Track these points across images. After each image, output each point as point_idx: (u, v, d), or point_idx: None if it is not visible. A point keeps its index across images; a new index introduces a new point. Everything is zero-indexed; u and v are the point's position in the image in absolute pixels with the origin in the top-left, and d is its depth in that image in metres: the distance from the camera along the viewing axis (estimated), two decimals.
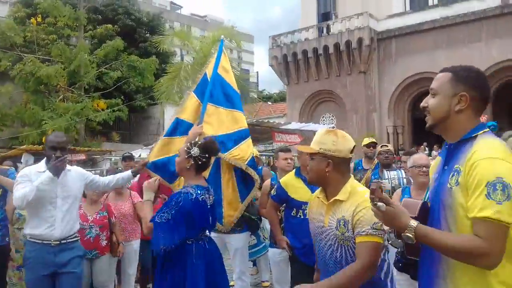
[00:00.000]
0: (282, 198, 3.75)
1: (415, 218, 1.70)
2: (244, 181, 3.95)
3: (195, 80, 15.78)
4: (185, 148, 2.99)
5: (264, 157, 14.03)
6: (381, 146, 5.68)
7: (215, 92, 4.00)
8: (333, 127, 20.67)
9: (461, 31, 21.28)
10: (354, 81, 24.30)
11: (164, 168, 3.76)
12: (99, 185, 3.86)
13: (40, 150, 15.65)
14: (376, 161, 5.80)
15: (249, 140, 4.02)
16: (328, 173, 2.25)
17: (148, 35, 26.02)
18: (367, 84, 24.07)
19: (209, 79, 4.11)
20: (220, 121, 3.91)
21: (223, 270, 3.13)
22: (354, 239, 2.15)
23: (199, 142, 3.01)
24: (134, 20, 25.77)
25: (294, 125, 14.14)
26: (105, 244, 4.37)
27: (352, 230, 2.15)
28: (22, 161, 13.31)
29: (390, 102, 23.53)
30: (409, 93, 23.45)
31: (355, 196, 2.23)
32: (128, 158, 6.42)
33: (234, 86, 4.20)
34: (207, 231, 3.09)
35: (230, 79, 4.20)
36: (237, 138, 3.93)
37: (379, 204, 1.69)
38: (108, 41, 19.53)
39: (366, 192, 2.28)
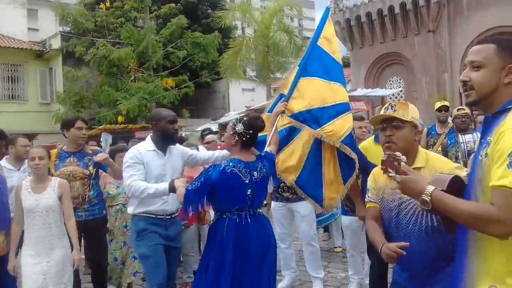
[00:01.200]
0: (362, 164, 3.60)
1: (444, 192, 1.69)
2: (347, 160, 3.59)
3: (259, 52, 15.84)
4: (231, 124, 3.10)
5: None
6: (457, 110, 5.47)
7: (311, 64, 3.71)
8: (401, 91, 20.04)
9: None
10: (423, 41, 23.15)
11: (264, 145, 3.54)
12: (198, 160, 3.92)
13: (117, 128, 16.67)
14: (450, 124, 5.65)
15: (347, 115, 3.63)
16: (414, 140, 2.32)
17: (210, 10, 26.31)
18: (437, 43, 22.84)
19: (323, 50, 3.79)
20: (315, 94, 3.61)
21: (266, 247, 3.10)
22: None
23: (244, 119, 3.08)
24: None
25: (360, 92, 13.95)
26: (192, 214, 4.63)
27: None
28: (101, 140, 14.28)
29: (463, 61, 22.19)
30: None
31: (432, 161, 2.28)
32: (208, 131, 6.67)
33: (336, 56, 3.83)
34: (247, 207, 3.03)
35: (332, 49, 3.80)
36: (333, 112, 3.57)
37: (392, 174, 1.74)
38: (172, 19, 20.04)
39: (440, 156, 2.38)
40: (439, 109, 5.92)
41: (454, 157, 5.19)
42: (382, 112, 2.40)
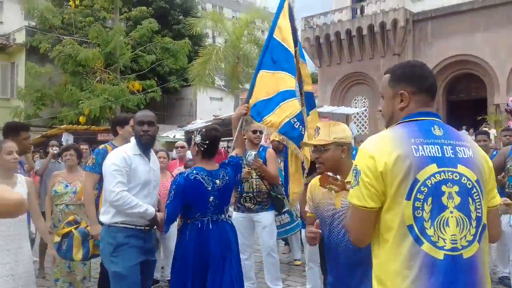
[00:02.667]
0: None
1: None
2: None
3: (229, 62, 15.83)
4: (192, 136, 3.41)
5: None
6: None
7: (266, 58, 3.73)
8: (365, 110, 20.58)
9: (500, 13, 20.53)
10: (388, 63, 23.84)
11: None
12: None
13: (79, 129, 16.26)
14: None
15: (289, 102, 3.54)
16: (342, 159, 2.47)
17: (181, 17, 26.24)
18: None
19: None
20: (260, 87, 3.65)
21: (226, 255, 3.21)
22: None
23: (202, 130, 3.33)
24: (167, 2, 26.03)
25: (326, 108, 14.19)
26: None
27: None
28: (63, 140, 13.87)
29: None
30: (444, 77, 22.93)
31: None
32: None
33: (287, 43, 3.73)
34: (209, 212, 3.19)
35: (283, 36, 3.75)
36: (274, 103, 3.57)
37: (330, 187, 2.20)
38: (143, 22, 19.85)
39: None
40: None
41: None
42: (313, 135, 2.60)
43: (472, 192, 1.65)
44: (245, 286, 4.94)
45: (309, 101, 3.87)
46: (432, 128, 1.71)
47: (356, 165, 1.70)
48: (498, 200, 1.81)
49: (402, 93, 1.77)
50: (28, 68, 18.47)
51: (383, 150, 1.65)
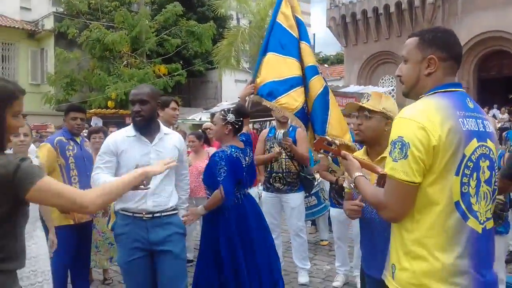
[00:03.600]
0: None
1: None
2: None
3: (254, 43, 15.80)
4: (220, 116, 3.41)
5: None
6: None
7: (272, 41, 3.89)
8: (393, 89, 20.20)
9: None
10: None
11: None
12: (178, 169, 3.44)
13: (107, 113, 16.58)
14: None
15: (300, 89, 3.77)
16: (385, 132, 2.36)
17: None
18: None
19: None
20: (270, 69, 3.78)
21: (261, 225, 3.58)
22: None
23: (232, 108, 3.42)
24: None
25: (353, 88, 13.97)
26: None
27: None
28: (92, 124, 14.17)
29: None
30: (475, 53, 22.22)
31: None
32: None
33: (293, 31, 3.93)
34: (243, 188, 3.50)
35: (290, 24, 3.94)
36: (287, 86, 3.73)
37: (321, 155, 2.19)
38: (167, 6, 19.88)
39: None
40: None
41: None
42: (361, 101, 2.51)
43: (495, 166, 1.69)
44: None
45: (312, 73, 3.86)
46: (467, 101, 1.70)
47: (402, 136, 1.59)
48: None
49: (431, 58, 1.72)
50: (57, 53, 18.82)
51: (434, 121, 1.57)
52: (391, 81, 24.88)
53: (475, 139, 1.62)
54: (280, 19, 3.92)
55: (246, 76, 25.96)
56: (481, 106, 1.94)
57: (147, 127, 3.03)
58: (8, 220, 1.57)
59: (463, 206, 1.59)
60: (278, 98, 3.69)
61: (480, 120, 1.69)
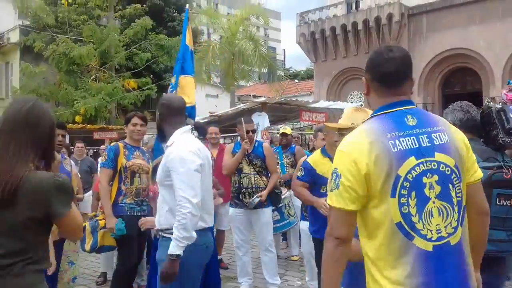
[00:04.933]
0: (310, 176, 3.70)
1: None
2: None
3: (225, 59, 15.80)
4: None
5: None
6: None
7: (185, 64, 4.18)
8: (361, 105, 20.59)
9: (495, 5, 20.53)
10: None
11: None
12: None
13: (75, 128, 16.20)
14: None
15: None
16: None
17: (176, 14, 26.12)
18: None
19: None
20: (191, 90, 4.07)
21: None
22: None
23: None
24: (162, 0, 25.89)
25: (322, 104, 14.15)
26: None
27: None
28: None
29: (420, 79, 23.04)
30: (440, 70, 22.93)
31: None
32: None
33: (191, 46, 4.35)
34: None
35: (189, 41, 4.30)
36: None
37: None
38: (137, 20, 19.76)
39: None
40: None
41: None
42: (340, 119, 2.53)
43: (452, 177, 1.65)
44: (243, 281, 4.97)
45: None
46: (406, 119, 1.69)
47: (336, 168, 1.67)
48: (479, 174, 1.79)
49: (363, 80, 1.82)
50: (22, 68, 18.39)
51: (362, 150, 1.62)
52: (360, 97, 25.34)
53: (412, 157, 1.61)
54: (188, 42, 4.23)
55: (217, 91, 26.01)
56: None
57: (160, 135, 2.91)
58: (41, 224, 1.75)
59: (405, 227, 1.59)
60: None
61: (425, 135, 1.66)
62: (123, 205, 4.01)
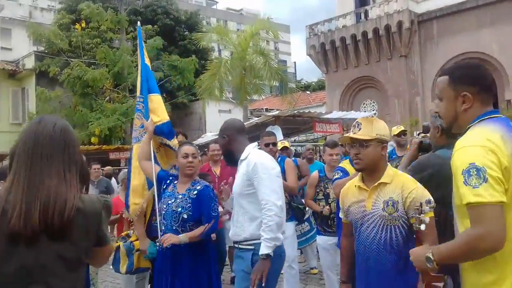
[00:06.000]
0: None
1: None
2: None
3: (236, 74, 15.82)
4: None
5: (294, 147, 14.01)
6: (418, 134, 5.74)
7: (150, 82, 4.11)
8: (374, 114, 20.48)
9: (505, 8, 20.35)
10: (395, 65, 23.81)
11: None
12: None
13: (91, 150, 16.41)
14: (409, 147, 5.83)
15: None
16: (382, 156, 2.43)
17: (186, 33, 26.47)
18: (409, 68, 23.53)
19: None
20: (162, 109, 4.00)
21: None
22: (403, 219, 2.31)
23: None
24: (172, 19, 26.29)
25: (336, 114, 14.12)
26: None
27: (404, 210, 2.30)
28: None
29: (433, 85, 22.87)
30: None
31: (399, 177, 2.40)
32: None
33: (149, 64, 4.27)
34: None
35: (149, 62, 4.28)
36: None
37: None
38: (148, 40, 20.06)
39: (406, 174, 2.52)
40: (398, 134, 6.17)
41: None
42: (351, 130, 2.52)
43: None
44: None
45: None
46: (510, 123, 1.73)
47: (473, 162, 1.55)
48: None
49: (465, 95, 1.76)
50: (38, 93, 18.76)
51: (498, 143, 1.59)
52: (373, 106, 25.24)
53: None
54: (147, 61, 4.16)
55: (230, 106, 26.11)
56: None
57: (229, 159, 3.22)
58: (87, 254, 1.58)
59: None
60: (174, 138, 3.95)
61: None
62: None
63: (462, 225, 1.70)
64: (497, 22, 20.45)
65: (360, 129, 2.44)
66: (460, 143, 1.67)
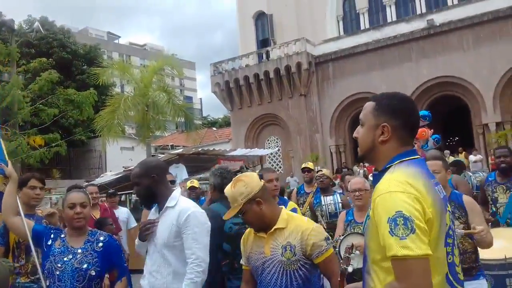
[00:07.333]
0: None
1: None
2: None
3: (138, 110, 15.36)
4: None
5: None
6: (317, 171, 5.93)
7: None
8: (278, 149, 21.00)
9: (392, 52, 22.46)
10: (296, 103, 24.90)
11: None
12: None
13: None
14: (316, 185, 5.96)
15: None
16: (261, 210, 2.38)
17: (85, 67, 25.48)
18: (308, 106, 24.74)
19: None
20: None
21: None
22: (302, 261, 2.34)
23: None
24: (70, 53, 25.21)
25: (240, 151, 14.25)
26: None
27: (303, 254, 2.33)
28: None
29: (331, 122, 24.27)
30: (347, 113, 24.32)
31: (293, 221, 2.43)
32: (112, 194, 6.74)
33: None
34: None
35: None
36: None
37: None
38: (42, 74, 18.87)
39: (300, 216, 2.66)
40: (302, 170, 6.31)
41: (320, 216, 5.38)
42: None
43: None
44: None
45: None
46: (427, 167, 1.67)
47: (400, 211, 1.42)
48: None
49: (385, 126, 1.63)
50: None
51: (421, 192, 1.48)
52: (277, 142, 26.00)
53: (448, 206, 1.60)
54: None
55: (132, 143, 25.27)
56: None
57: (150, 202, 2.94)
58: None
59: (451, 278, 1.52)
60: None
61: (439, 185, 1.66)
62: (17, 285, 3.46)
63: (376, 277, 1.56)
64: (385, 65, 22.45)
65: (233, 203, 2.43)
66: (382, 187, 1.52)
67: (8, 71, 19.50)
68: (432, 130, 10.00)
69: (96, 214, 5.36)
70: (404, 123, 1.64)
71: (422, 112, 10.51)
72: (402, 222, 1.40)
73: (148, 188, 2.84)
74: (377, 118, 1.66)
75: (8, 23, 19.17)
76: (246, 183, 2.41)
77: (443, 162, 3.29)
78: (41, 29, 22.58)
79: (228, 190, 2.44)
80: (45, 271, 2.76)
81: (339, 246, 3.30)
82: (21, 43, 20.29)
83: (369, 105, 1.72)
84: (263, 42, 27.41)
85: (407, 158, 1.61)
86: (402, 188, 1.47)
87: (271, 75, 24.87)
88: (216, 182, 3.66)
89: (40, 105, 18.54)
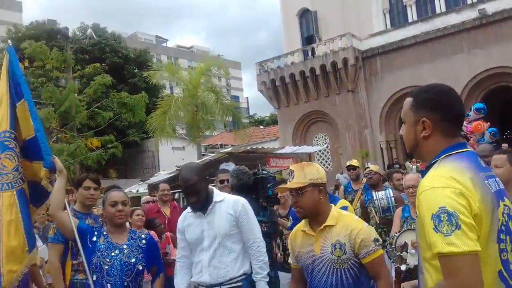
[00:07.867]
0: None
1: None
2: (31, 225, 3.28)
3: (188, 111, 15.72)
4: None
5: None
6: (365, 168, 5.87)
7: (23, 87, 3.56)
8: (327, 147, 20.81)
9: (443, 44, 21.73)
10: (343, 100, 24.60)
11: None
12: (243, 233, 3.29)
13: None
14: (364, 181, 5.90)
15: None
16: (320, 199, 2.39)
17: (136, 70, 26.32)
18: (356, 101, 24.38)
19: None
20: (28, 118, 3.36)
21: None
22: (352, 260, 2.31)
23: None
24: (121, 57, 26.14)
25: (288, 149, 14.26)
26: None
27: (353, 252, 2.31)
28: None
29: (381, 117, 23.79)
30: (397, 108, 23.67)
31: (344, 219, 2.41)
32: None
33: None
34: None
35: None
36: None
37: None
38: (95, 77, 19.71)
39: (350, 214, 2.60)
40: (348, 168, 6.26)
41: (374, 212, 5.31)
42: (288, 179, 2.51)
43: None
44: None
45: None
46: (479, 160, 1.60)
47: (444, 206, 1.38)
48: None
49: (424, 121, 1.60)
50: None
51: (468, 187, 1.42)
52: (325, 139, 25.80)
53: (500, 200, 1.51)
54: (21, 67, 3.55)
55: (183, 143, 25.89)
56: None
57: (205, 201, 3.11)
58: None
59: (506, 275, 1.45)
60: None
61: (495, 178, 1.58)
62: (75, 281, 3.53)
63: (429, 275, 1.53)
64: (435, 57, 21.73)
65: (293, 177, 2.43)
66: (426, 183, 1.48)
67: (64, 77, 20.52)
68: (488, 123, 9.63)
69: (167, 211, 5.47)
70: (445, 116, 1.59)
71: (477, 105, 10.12)
72: (446, 218, 1.37)
73: (204, 189, 3.06)
74: (416, 113, 1.63)
75: (62, 31, 20.16)
76: (319, 169, 2.47)
77: (508, 155, 3.12)
78: (94, 36, 23.60)
79: (299, 166, 2.45)
80: (92, 266, 2.81)
81: (395, 243, 3.27)
82: (75, 49, 21.31)
83: (407, 102, 1.70)
84: (308, 39, 27.23)
85: (454, 152, 1.57)
86: (445, 183, 1.43)
87: (317, 71, 24.69)
88: (233, 183, 4.02)
89: (96, 109, 19.37)
